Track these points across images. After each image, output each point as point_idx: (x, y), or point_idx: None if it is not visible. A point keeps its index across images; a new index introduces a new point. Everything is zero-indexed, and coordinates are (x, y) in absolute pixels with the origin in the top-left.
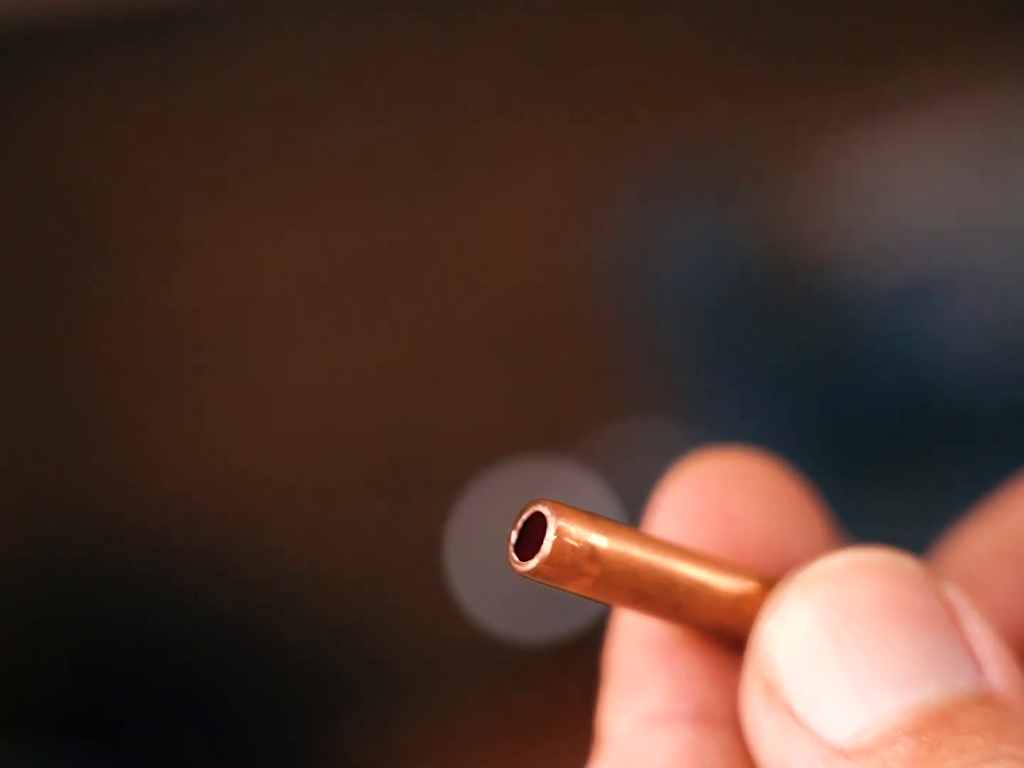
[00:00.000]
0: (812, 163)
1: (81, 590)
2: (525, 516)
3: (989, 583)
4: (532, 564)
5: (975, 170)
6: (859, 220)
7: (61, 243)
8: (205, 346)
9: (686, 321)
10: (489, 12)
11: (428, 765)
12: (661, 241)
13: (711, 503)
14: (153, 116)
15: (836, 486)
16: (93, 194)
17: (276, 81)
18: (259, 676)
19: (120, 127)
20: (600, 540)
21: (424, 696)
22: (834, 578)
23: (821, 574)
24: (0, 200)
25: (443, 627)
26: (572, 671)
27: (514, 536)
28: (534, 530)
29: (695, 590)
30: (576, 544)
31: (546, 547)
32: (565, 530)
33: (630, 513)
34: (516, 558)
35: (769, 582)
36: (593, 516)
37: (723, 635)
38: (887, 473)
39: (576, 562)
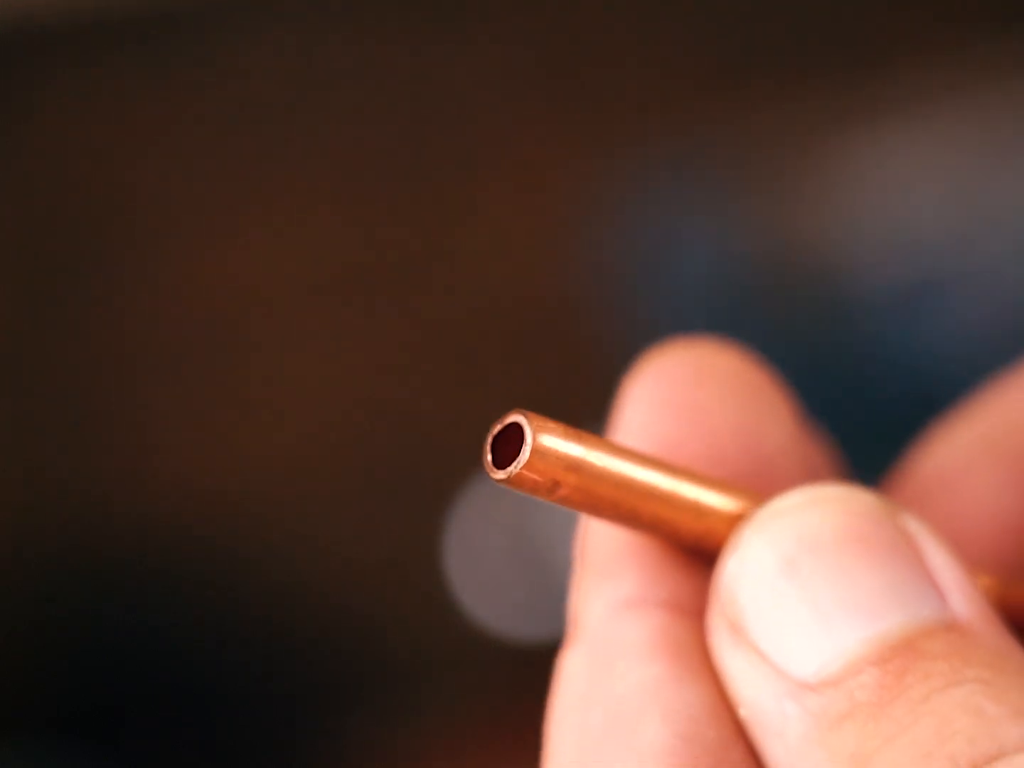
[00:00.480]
0: (813, 164)
1: (81, 588)
2: (501, 426)
3: (974, 481)
4: (508, 473)
5: (975, 170)
6: (860, 220)
7: (63, 242)
8: (207, 344)
9: (687, 322)
10: (489, 14)
11: (428, 765)
12: (662, 242)
13: (680, 393)
14: (155, 117)
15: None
16: (94, 194)
17: (279, 83)
18: (259, 676)
19: (122, 127)
20: (576, 450)
21: (424, 696)
22: (792, 514)
23: (780, 511)
24: (1, 199)
25: (443, 627)
26: None
27: (490, 445)
28: (511, 441)
29: (670, 502)
30: (552, 453)
31: (523, 456)
32: (541, 439)
33: None
34: (493, 467)
35: (744, 494)
36: (569, 427)
37: (698, 549)
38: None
39: (552, 471)
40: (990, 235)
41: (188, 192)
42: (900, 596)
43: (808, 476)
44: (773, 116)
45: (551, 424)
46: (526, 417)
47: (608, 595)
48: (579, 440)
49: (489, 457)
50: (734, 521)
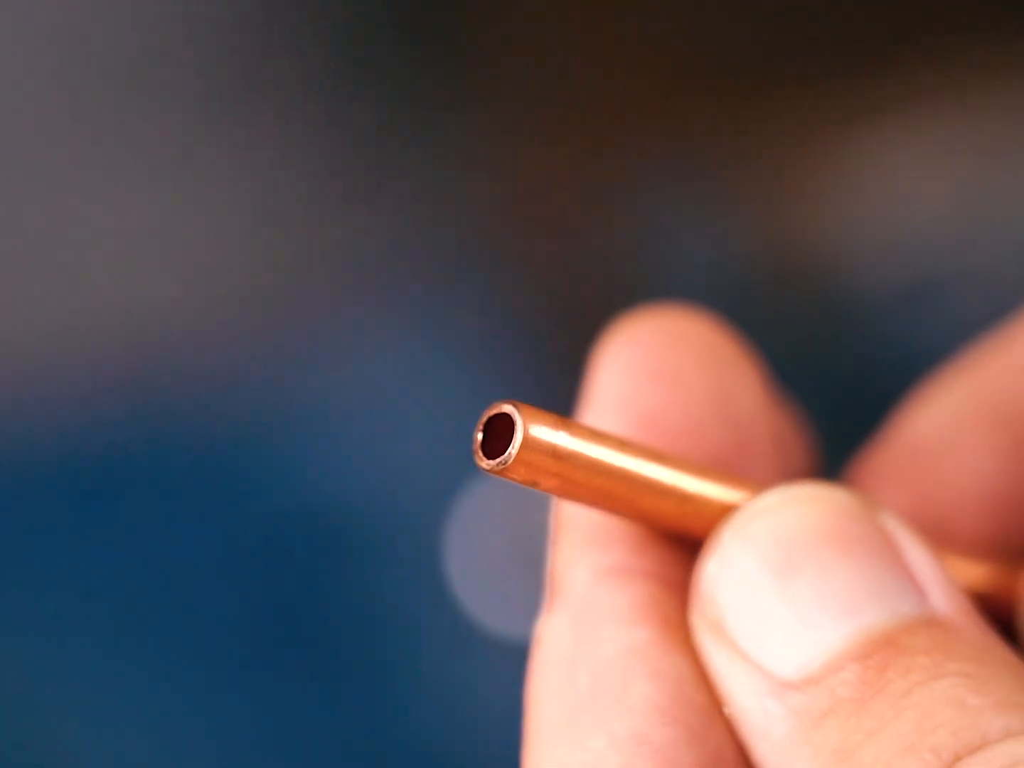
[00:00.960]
0: (813, 163)
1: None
2: (490, 415)
3: (963, 444)
4: (498, 463)
5: (976, 170)
6: (860, 220)
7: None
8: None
9: None
10: (489, 15)
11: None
12: (661, 242)
13: (655, 360)
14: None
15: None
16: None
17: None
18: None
19: None
20: (566, 440)
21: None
22: (770, 514)
23: (757, 511)
24: None
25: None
26: None
27: (480, 435)
28: (501, 431)
29: (660, 491)
30: (543, 444)
31: (513, 446)
32: (531, 430)
33: None
34: (483, 456)
35: (735, 481)
36: (559, 416)
37: (689, 536)
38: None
39: (542, 462)
40: (990, 235)
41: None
42: (879, 593)
43: (776, 442)
44: (773, 116)
45: (541, 414)
46: (516, 407)
47: (593, 562)
48: (569, 430)
49: (479, 447)
50: (726, 509)
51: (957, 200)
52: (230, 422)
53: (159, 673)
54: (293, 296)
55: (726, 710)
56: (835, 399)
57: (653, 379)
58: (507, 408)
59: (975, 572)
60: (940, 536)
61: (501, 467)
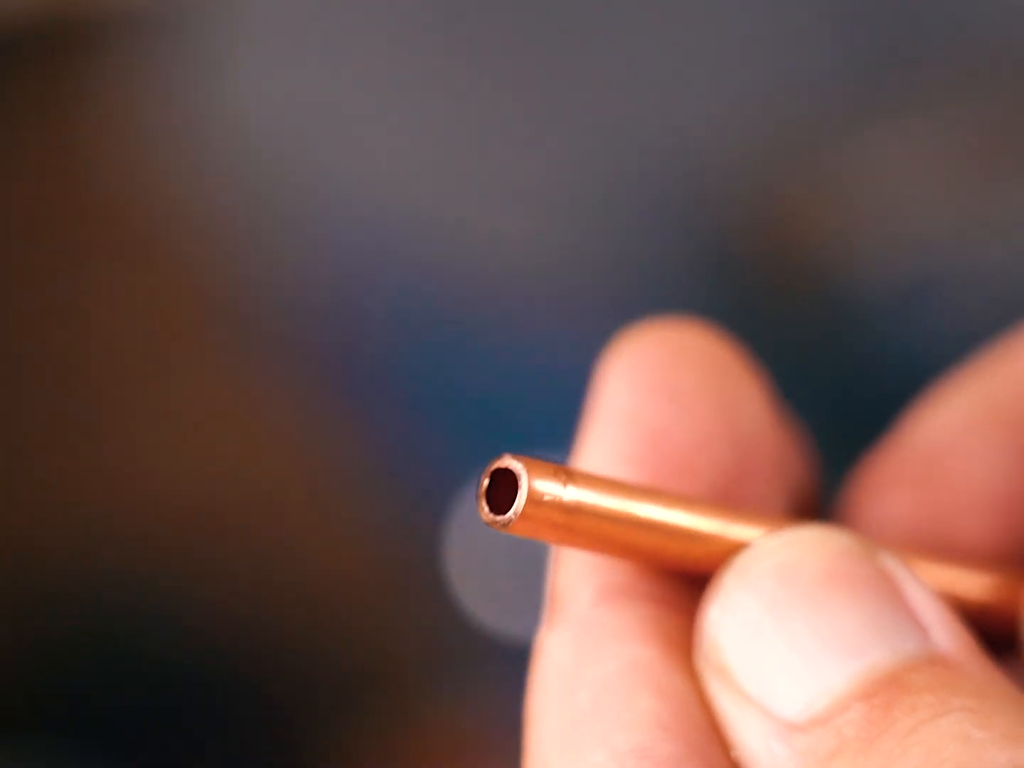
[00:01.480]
0: (813, 163)
1: (79, 592)
2: (493, 469)
3: (971, 448)
4: (505, 520)
5: (976, 170)
6: (860, 220)
7: (58, 244)
8: (201, 346)
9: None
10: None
11: (428, 765)
12: (662, 241)
13: (660, 376)
14: (151, 115)
15: (835, 487)
16: (88, 195)
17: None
18: (257, 677)
19: (121, 127)
20: (572, 493)
21: (423, 696)
22: (771, 558)
23: (759, 555)
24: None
25: (442, 627)
26: None
27: (483, 490)
28: (504, 483)
29: (666, 534)
30: (548, 499)
31: (518, 504)
32: (535, 485)
33: None
34: (488, 512)
35: (741, 517)
36: (562, 468)
37: (695, 575)
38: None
39: (548, 516)
40: (990, 235)
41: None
42: (882, 632)
43: (780, 457)
44: (774, 116)
45: (545, 467)
46: (520, 462)
47: (596, 581)
48: (574, 482)
49: (485, 504)
50: (733, 547)
51: (957, 200)
52: None
53: None
54: None
55: (733, 753)
56: (835, 399)
57: (658, 394)
58: (511, 463)
59: (978, 583)
60: (946, 541)
61: (507, 523)
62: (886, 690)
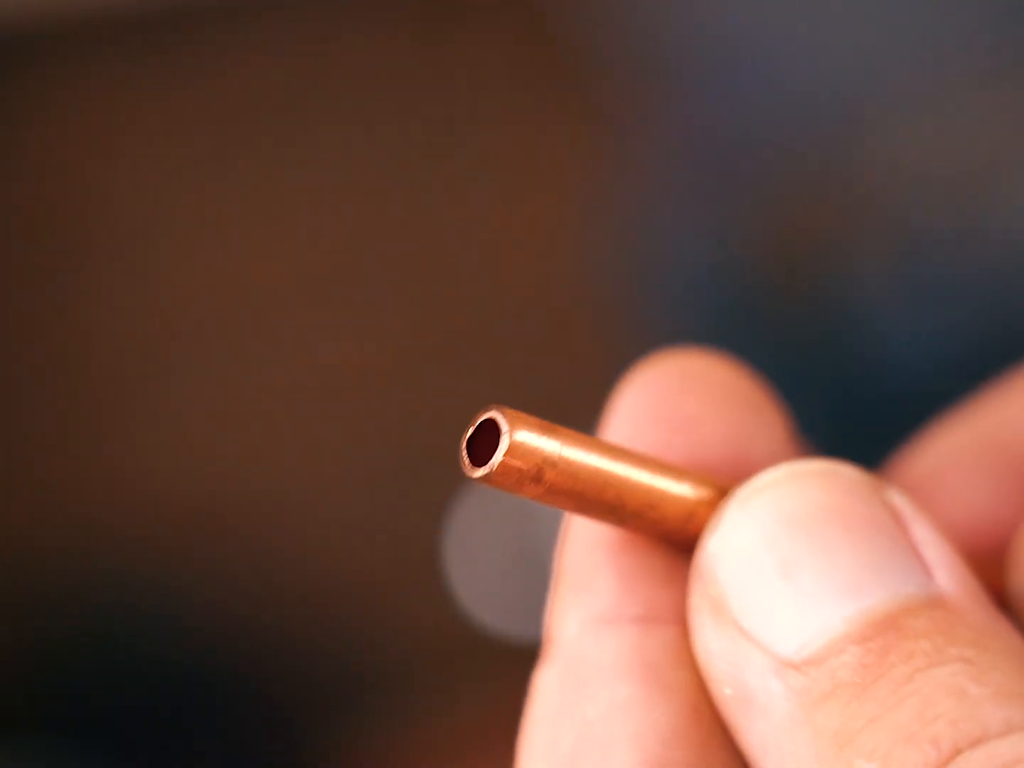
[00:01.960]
0: (812, 163)
1: (79, 592)
2: (478, 422)
3: (958, 480)
4: (485, 471)
5: (976, 170)
6: (860, 220)
7: (58, 244)
8: (203, 345)
9: (687, 321)
10: (489, 13)
11: (427, 765)
12: (662, 241)
13: (668, 405)
14: (151, 115)
15: None
16: (89, 194)
17: (277, 82)
18: (257, 677)
19: (118, 126)
20: (553, 447)
21: (423, 696)
22: (774, 491)
23: (760, 488)
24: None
25: (442, 627)
26: None
27: (466, 443)
28: (488, 437)
29: (649, 496)
30: (529, 451)
31: (499, 454)
32: (518, 437)
33: None
34: (469, 464)
35: (723, 489)
36: (546, 423)
37: (677, 542)
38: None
39: (529, 469)
40: (990, 234)
41: (178, 191)
42: (882, 572)
43: None
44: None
45: (527, 419)
46: (502, 413)
47: (581, 611)
48: (555, 435)
49: (466, 455)
50: (711, 506)
51: (957, 199)
52: None
53: None
54: None
55: (726, 691)
56: (835, 399)
57: (664, 424)
58: (493, 414)
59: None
60: None
61: (488, 474)
62: (883, 634)
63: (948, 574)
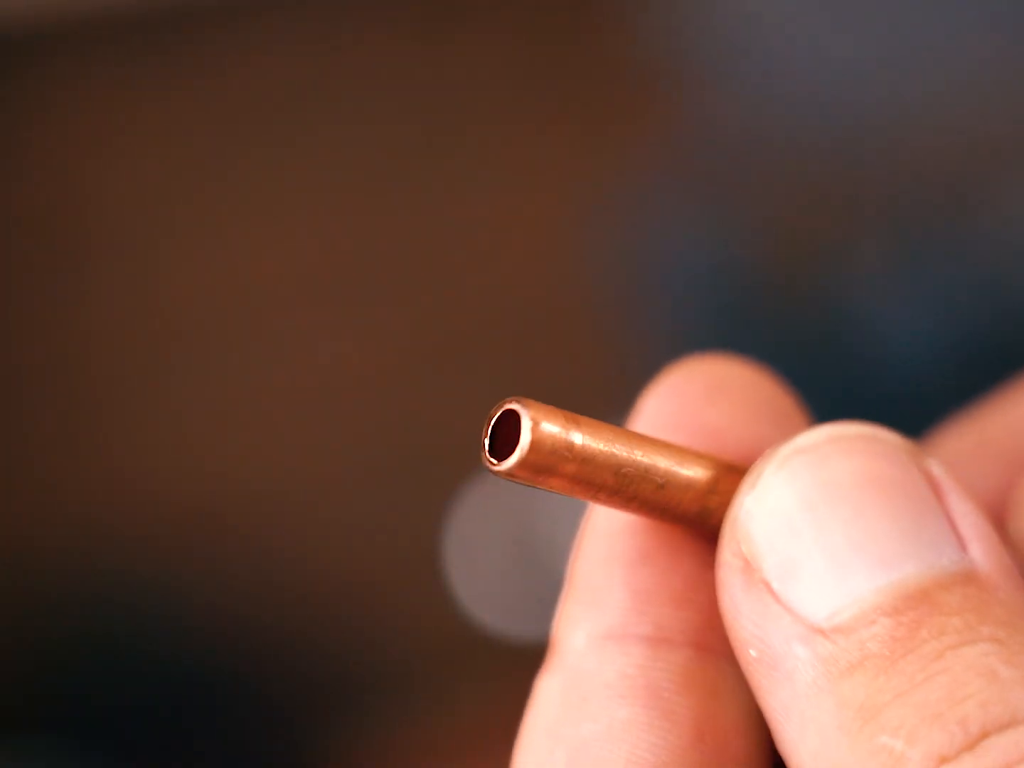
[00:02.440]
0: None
1: (79, 592)
2: (497, 415)
3: (967, 478)
4: (509, 464)
5: (976, 170)
6: (860, 221)
7: (58, 244)
8: (203, 345)
9: (687, 321)
10: (490, 13)
11: (427, 765)
12: (662, 241)
13: (692, 414)
14: (151, 115)
15: None
16: (89, 194)
17: (277, 82)
18: (257, 677)
19: (117, 126)
20: (575, 436)
21: (423, 696)
22: (814, 453)
23: (801, 448)
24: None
25: (442, 627)
26: None
27: (487, 437)
28: (508, 430)
29: (670, 480)
30: (554, 443)
31: (522, 446)
32: (540, 428)
33: None
34: (492, 459)
35: (744, 471)
36: (566, 413)
37: (699, 526)
38: None
39: (551, 460)
40: (989, 236)
41: (178, 191)
42: (918, 544)
43: None
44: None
45: (549, 410)
46: (523, 404)
47: (590, 625)
48: (577, 425)
49: (487, 449)
50: (736, 486)
51: (957, 199)
52: None
53: None
54: None
55: (752, 652)
56: (835, 399)
57: (688, 430)
58: (514, 406)
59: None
60: None
61: (512, 468)
62: (916, 608)
63: (982, 548)
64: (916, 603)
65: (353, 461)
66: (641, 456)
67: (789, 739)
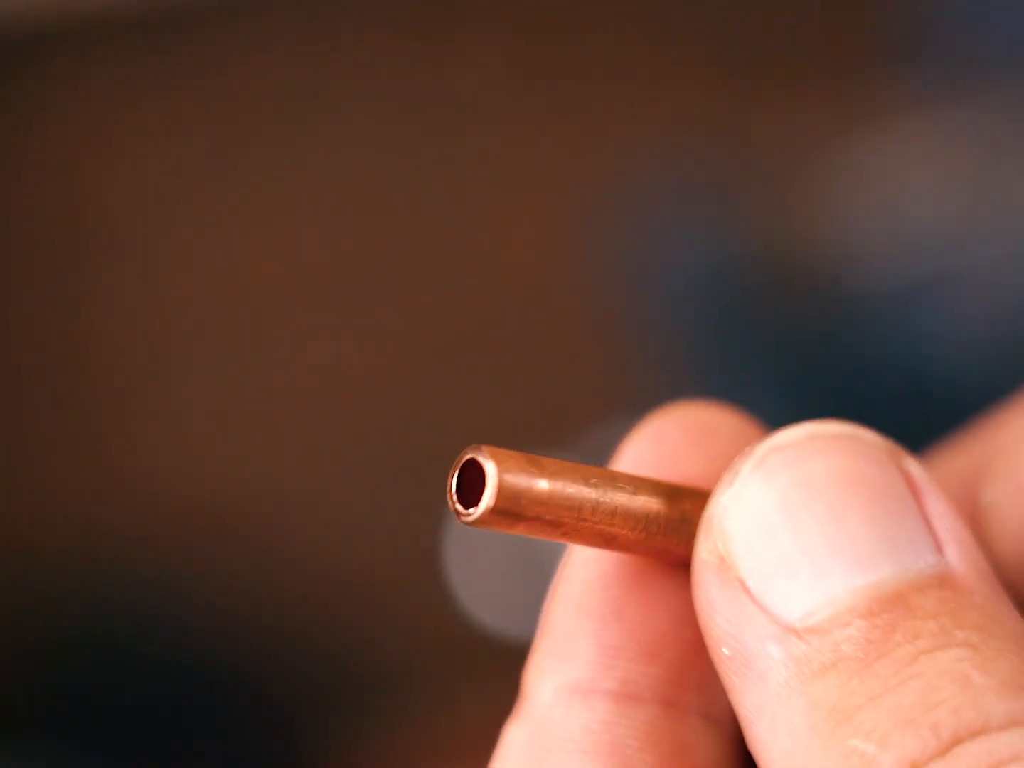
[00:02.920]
0: (813, 163)
1: (79, 592)
2: (461, 463)
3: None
4: (476, 514)
5: (975, 170)
6: (860, 220)
7: (58, 245)
8: (203, 345)
9: (687, 321)
10: (490, 13)
11: (427, 765)
12: (662, 241)
13: (672, 462)
14: (151, 115)
15: None
16: (89, 194)
17: (277, 82)
18: (257, 677)
19: (117, 126)
20: (541, 483)
21: (423, 696)
22: (792, 451)
23: (779, 446)
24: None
25: (442, 627)
26: None
27: (454, 486)
28: (472, 475)
29: (638, 515)
30: (518, 490)
31: (487, 497)
32: (506, 479)
33: None
34: (460, 508)
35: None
36: (531, 457)
37: (673, 560)
38: None
39: (518, 507)
40: (990, 235)
41: (178, 191)
42: (894, 545)
43: None
44: (773, 116)
45: (511, 456)
46: (485, 453)
47: (558, 677)
48: (541, 469)
49: (454, 498)
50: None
51: (957, 200)
52: None
53: None
54: None
55: (724, 650)
56: (835, 399)
57: (667, 477)
58: (477, 455)
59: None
60: None
61: (478, 518)
62: (890, 610)
63: (958, 551)
64: (891, 606)
65: (353, 461)
66: (610, 491)
67: (760, 739)
